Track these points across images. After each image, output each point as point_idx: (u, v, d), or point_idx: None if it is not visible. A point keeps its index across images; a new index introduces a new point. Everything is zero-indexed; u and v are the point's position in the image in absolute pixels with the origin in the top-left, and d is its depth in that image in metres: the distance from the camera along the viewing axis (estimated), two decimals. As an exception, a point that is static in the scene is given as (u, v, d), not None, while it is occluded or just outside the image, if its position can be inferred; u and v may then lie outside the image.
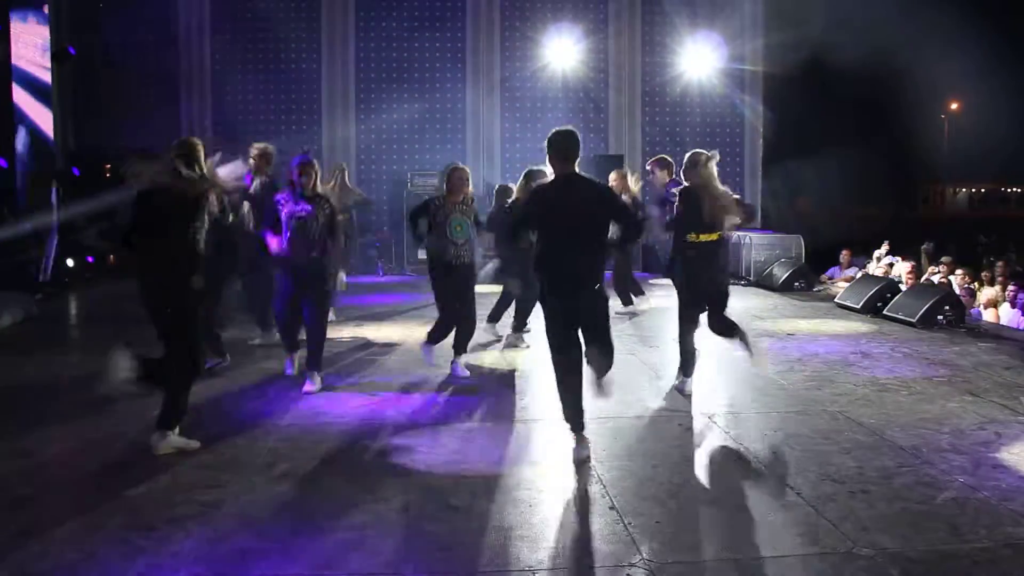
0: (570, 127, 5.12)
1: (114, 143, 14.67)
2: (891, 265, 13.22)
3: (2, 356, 8.10)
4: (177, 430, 5.09)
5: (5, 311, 9.55)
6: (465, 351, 7.16)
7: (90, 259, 13.83)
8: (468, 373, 7.05)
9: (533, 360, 7.52)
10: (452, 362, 7.10)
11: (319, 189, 6.67)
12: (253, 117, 15.57)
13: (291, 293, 6.65)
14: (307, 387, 6.48)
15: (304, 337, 6.76)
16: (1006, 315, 10.95)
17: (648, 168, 9.19)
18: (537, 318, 6.28)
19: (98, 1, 14.70)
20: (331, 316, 8.88)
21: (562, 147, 5.01)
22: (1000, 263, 12.89)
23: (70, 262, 13.13)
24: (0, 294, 9.98)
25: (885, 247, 14.38)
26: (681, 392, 6.40)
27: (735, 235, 14.56)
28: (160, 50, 15.20)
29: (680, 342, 6.47)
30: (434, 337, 7.12)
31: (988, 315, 11.04)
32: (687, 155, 6.42)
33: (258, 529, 3.96)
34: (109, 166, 14.73)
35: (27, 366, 7.60)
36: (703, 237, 6.21)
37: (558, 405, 5.07)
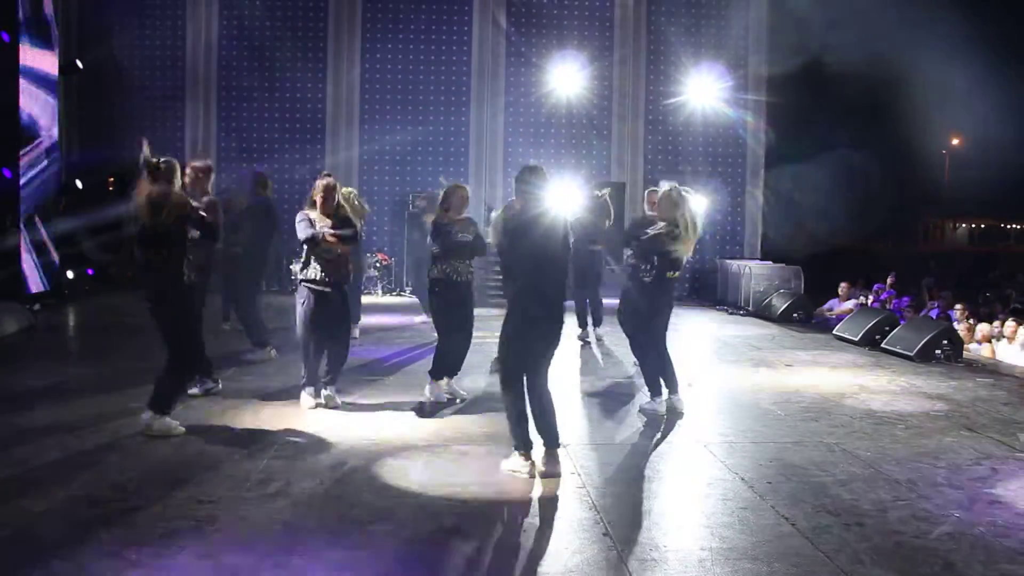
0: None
1: (118, 157, 14.76)
2: (890, 298, 13.25)
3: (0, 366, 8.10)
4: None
5: (6, 318, 9.57)
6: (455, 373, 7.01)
7: (90, 271, 13.85)
8: (446, 398, 6.86)
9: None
10: (430, 382, 6.86)
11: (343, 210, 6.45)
12: (257, 136, 15.67)
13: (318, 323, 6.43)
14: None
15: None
16: (1004, 351, 10.96)
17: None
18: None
19: (107, 17, 14.84)
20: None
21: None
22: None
23: (70, 274, 13.15)
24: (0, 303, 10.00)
25: (891, 279, 14.43)
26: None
27: (735, 265, 14.65)
28: (167, 67, 15.35)
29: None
30: (437, 372, 6.86)
31: (986, 350, 11.04)
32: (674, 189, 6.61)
33: (251, 546, 3.94)
34: (112, 179, 14.80)
35: (24, 376, 7.59)
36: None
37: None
